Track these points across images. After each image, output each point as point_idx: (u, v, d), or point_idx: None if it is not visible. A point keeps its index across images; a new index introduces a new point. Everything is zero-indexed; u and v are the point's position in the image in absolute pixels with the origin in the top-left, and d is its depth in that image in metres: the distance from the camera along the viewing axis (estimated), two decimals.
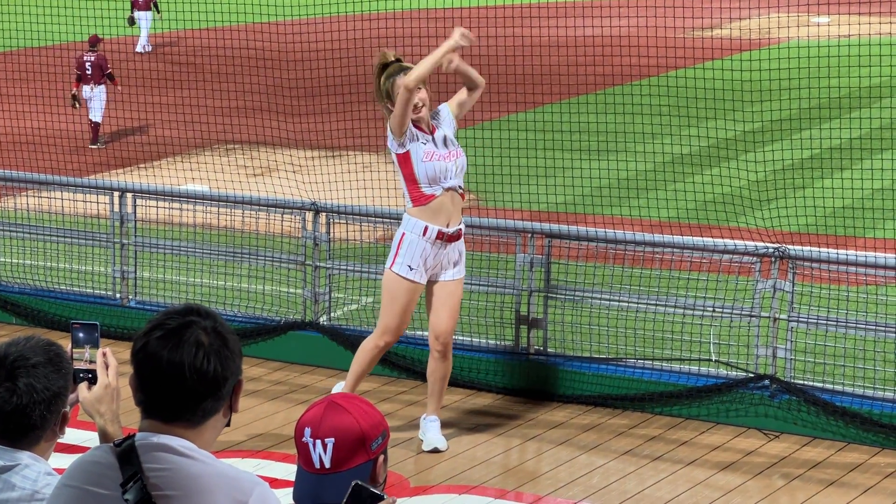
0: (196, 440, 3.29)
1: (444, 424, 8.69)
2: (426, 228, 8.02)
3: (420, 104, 7.95)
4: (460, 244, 8.19)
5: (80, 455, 3.43)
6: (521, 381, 9.16)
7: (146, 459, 3.25)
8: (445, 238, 8.05)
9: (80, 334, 4.28)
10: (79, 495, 3.29)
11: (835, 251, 8.72)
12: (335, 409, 3.79)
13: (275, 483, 6.95)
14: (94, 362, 4.22)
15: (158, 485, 3.21)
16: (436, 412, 8.35)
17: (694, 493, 7.73)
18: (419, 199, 8.04)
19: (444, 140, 8.10)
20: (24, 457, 4.11)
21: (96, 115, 19.76)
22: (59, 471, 4.02)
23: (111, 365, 4.24)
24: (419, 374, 9.36)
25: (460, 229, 8.14)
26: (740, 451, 8.27)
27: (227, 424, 3.47)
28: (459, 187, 8.11)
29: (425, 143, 8.00)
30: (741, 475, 7.93)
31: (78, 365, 4.17)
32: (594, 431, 8.59)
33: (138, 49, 26.95)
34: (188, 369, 3.26)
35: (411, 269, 8.06)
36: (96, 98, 19.70)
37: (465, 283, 9.48)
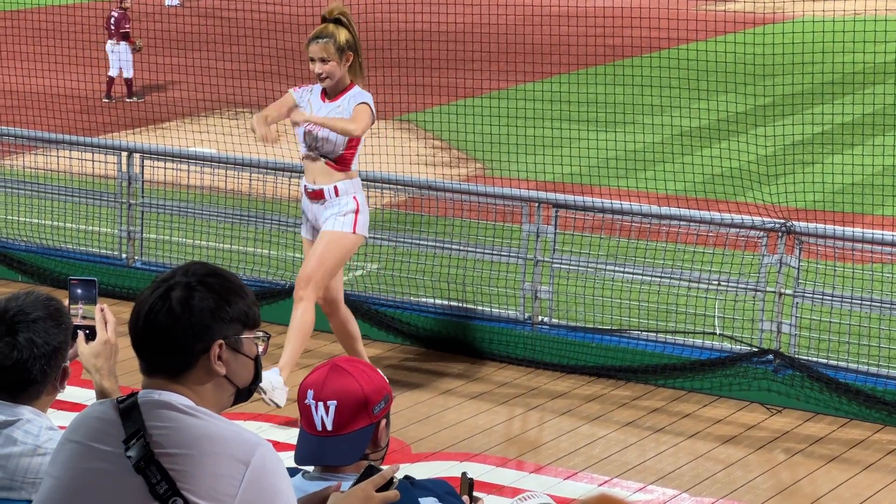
0: (195, 399, 3.29)
1: (447, 392, 8.71)
2: (301, 182, 8.34)
3: (323, 75, 8.09)
4: (332, 208, 8.14)
5: (82, 411, 3.43)
6: (525, 351, 9.17)
7: (148, 417, 3.25)
8: (308, 194, 8.21)
9: (78, 290, 4.29)
10: (81, 450, 3.30)
11: (841, 228, 8.70)
12: (338, 372, 3.80)
13: (276, 446, 6.94)
14: (92, 318, 4.22)
15: (161, 442, 3.21)
16: (281, 365, 8.05)
17: (695, 465, 7.74)
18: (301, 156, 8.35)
19: (322, 113, 8.12)
20: (26, 411, 4.12)
21: (113, 71, 20.06)
22: (62, 427, 4.03)
23: (109, 321, 4.24)
24: (423, 341, 9.37)
25: (321, 189, 8.13)
26: (742, 424, 8.28)
27: (241, 397, 3.43)
28: (323, 157, 8.13)
29: (301, 108, 8.18)
30: (743, 449, 7.94)
31: (76, 321, 4.18)
32: (597, 402, 8.59)
33: (167, 2, 27.03)
34: (143, 321, 3.30)
35: (300, 224, 8.45)
36: (116, 54, 19.98)
37: (469, 252, 9.48)
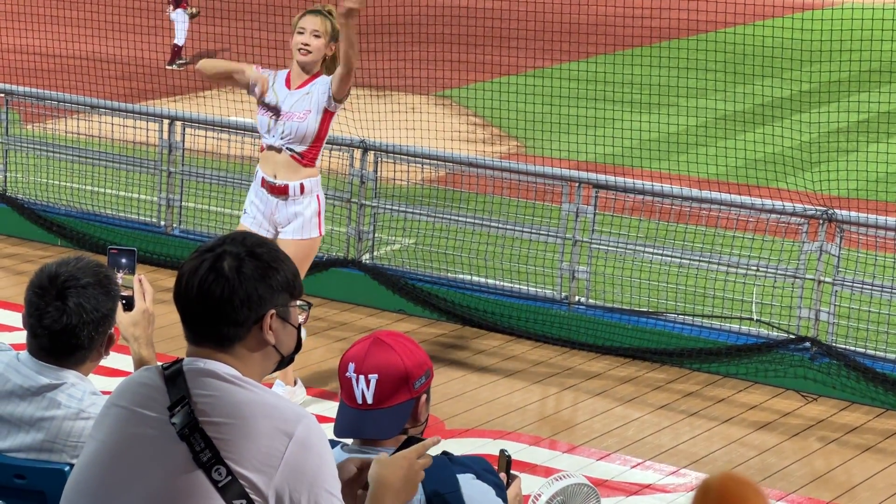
0: (239, 368, 3.30)
1: (481, 369, 8.71)
2: (257, 172, 7.95)
3: (310, 47, 7.71)
4: (292, 206, 7.83)
5: (128, 376, 3.44)
6: (561, 331, 9.15)
7: (193, 385, 3.25)
8: (269, 188, 7.84)
9: (119, 259, 4.31)
10: (126, 415, 3.31)
11: (884, 217, 8.65)
12: (380, 345, 3.79)
13: None
14: (130, 287, 4.24)
15: (206, 410, 3.21)
16: (286, 381, 7.86)
17: (729, 450, 7.72)
18: (260, 146, 8.00)
19: (290, 101, 7.75)
20: (70, 376, 4.15)
21: (176, 38, 20.11)
22: (104, 392, 4.04)
23: (147, 290, 4.27)
24: (458, 318, 9.37)
25: (285, 185, 7.79)
26: (777, 411, 8.25)
27: (283, 364, 3.45)
28: (288, 149, 7.78)
29: (266, 96, 7.79)
30: (777, 435, 7.91)
31: None
32: (631, 384, 8.58)
33: None
34: (196, 291, 3.30)
35: (245, 213, 7.99)
36: (176, 21, 20.06)
37: (507, 230, 9.47)
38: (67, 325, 4.06)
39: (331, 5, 7.93)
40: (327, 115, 7.76)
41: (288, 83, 7.81)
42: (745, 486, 2.51)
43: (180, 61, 19.99)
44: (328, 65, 7.83)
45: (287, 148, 7.78)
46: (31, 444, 4.12)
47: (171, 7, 20.14)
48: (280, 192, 7.83)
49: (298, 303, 3.42)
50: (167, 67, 19.79)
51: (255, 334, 3.33)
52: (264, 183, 7.87)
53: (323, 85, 7.71)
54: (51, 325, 4.06)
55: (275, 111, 7.77)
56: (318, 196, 7.88)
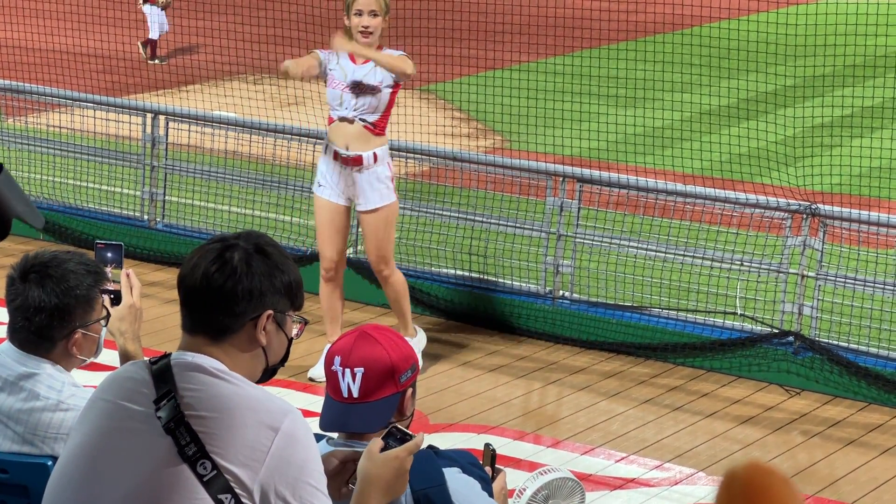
0: (228, 364, 3.29)
1: (465, 363, 8.71)
2: (327, 147, 8.22)
3: (371, 28, 7.98)
4: (367, 175, 8.13)
5: (114, 370, 3.43)
6: (545, 325, 9.16)
7: (180, 378, 3.25)
8: (341, 160, 8.11)
9: (106, 254, 4.30)
10: (112, 409, 3.30)
11: (867, 212, 8.67)
12: (366, 339, 3.79)
13: None
14: (117, 282, 4.24)
15: (192, 404, 3.20)
16: (406, 332, 8.38)
17: (712, 444, 7.73)
18: (328, 120, 8.27)
19: (358, 74, 8.06)
20: (48, 366, 4.14)
21: (151, 33, 20.13)
22: (88, 387, 4.03)
23: (135, 285, 4.27)
24: (442, 312, 9.36)
25: (359, 156, 8.09)
26: (761, 405, 8.26)
27: (272, 369, 3.43)
28: (360, 119, 8.07)
29: (333, 70, 8.12)
30: (760, 430, 7.93)
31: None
32: (615, 378, 8.58)
33: None
34: (200, 277, 3.30)
35: (320, 186, 8.25)
36: (149, 15, 20.10)
37: (491, 224, 9.46)
38: (41, 306, 4.06)
39: None
40: (396, 86, 8.12)
41: (353, 58, 8.09)
42: (771, 475, 2.47)
43: (157, 60, 19.92)
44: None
45: (360, 119, 8.06)
46: (12, 436, 4.11)
47: (141, 1, 20.12)
48: (355, 162, 8.11)
49: (296, 315, 3.44)
50: (148, 62, 19.77)
51: (248, 331, 3.33)
52: (337, 155, 8.12)
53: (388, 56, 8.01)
54: (21, 305, 4.07)
55: (345, 85, 8.03)
56: (388, 163, 8.19)
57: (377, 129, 8.11)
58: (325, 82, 8.17)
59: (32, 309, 4.08)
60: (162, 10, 20.05)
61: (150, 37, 20.10)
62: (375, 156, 8.10)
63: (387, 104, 8.09)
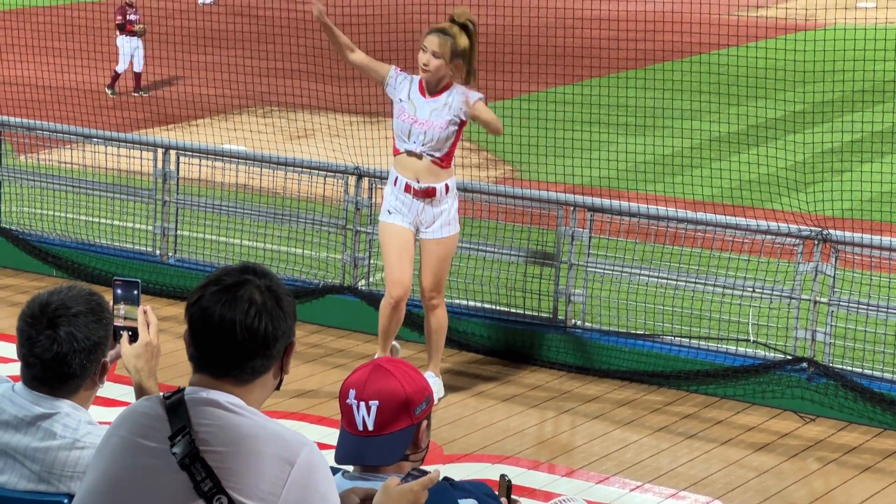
0: (245, 398, 3.29)
1: (479, 394, 8.70)
2: (396, 179, 8.31)
3: (429, 67, 8.15)
4: (438, 206, 8.28)
5: (129, 406, 3.43)
6: (558, 354, 9.15)
7: (195, 414, 3.25)
8: (413, 192, 8.23)
9: (122, 291, 4.30)
10: (126, 445, 3.30)
11: (878, 237, 8.66)
12: (381, 372, 3.79)
13: None
14: (134, 319, 4.23)
15: (207, 439, 3.20)
16: (431, 368, 8.51)
17: (727, 472, 7.71)
18: (394, 151, 8.36)
19: (427, 109, 8.19)
20: (65, 405, 4.13)
21: (120, 66, 20.23)
22: (103, 423, 4.03)
23: (152, 322, 4.26)
24: (455, 343, 9.35)
25: (432, 188, 8.22)
26: (775, 432, 8.24)
27: (278, 387, 3.46)
28: (428, 155, 8.19)
29: (402, 101, 8.25)
30: (775, 457, 7.91)
31: (118, 322, 4.19)
32: (629, 407, 8.57)
33: (201, 0, 27.09)
34: (239, 326, 3.26)
35: (390, 213, 8.34)
36: (121, 47, 20.22)
37: (503, 254, 9.47)
38: (58, 354, 4.04)
39: (465, 17, 8.24)
40: (463, 123, 8.25)
41: (422, 90, 8.26)
42: None
43: (113, 92, 19.96)
44: (462, 76, 8.26)
45: (427, 154, 8.19)
46: (28, 475, 4.10)
47: (117, 33, 20.27)
48: (427, 194, 8.27)
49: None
50: (133, 94, 19.87)
51: (277, 365, 3.35)
52: (408, 188, 8.24)
53: (459, 96, 8.17)
54: (41, 353, 4.05)
55: (414, 118, 8.20)
56: (455, 195, 8.38)
57: (444, 163, 8.25)
58: (393, 113, 8.30)
59: (49, 356, 4.06)
60: (139, 37, 20.09)
61: (115, 69, 20.14)
62: (447, 187, 8.27)
63: (452, 141, 8.24)
